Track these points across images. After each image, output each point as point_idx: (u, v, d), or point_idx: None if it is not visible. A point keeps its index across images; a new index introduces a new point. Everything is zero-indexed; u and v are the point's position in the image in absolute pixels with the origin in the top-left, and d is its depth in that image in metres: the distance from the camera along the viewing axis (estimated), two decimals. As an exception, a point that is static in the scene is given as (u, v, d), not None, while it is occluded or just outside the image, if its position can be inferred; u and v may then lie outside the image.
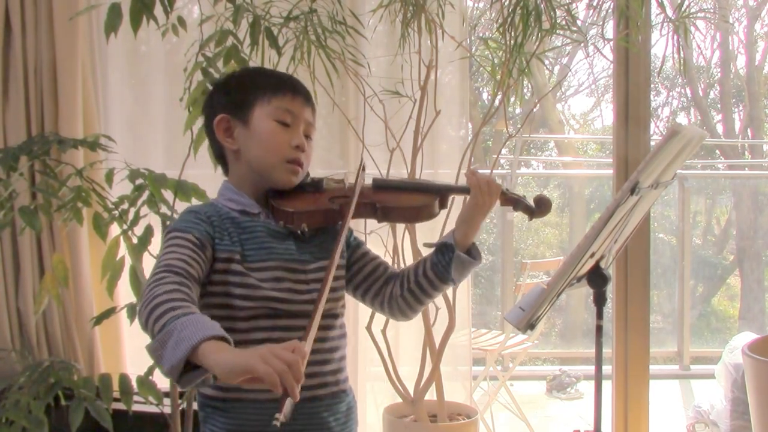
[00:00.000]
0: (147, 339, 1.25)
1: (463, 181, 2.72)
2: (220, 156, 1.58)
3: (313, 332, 1.24)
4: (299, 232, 1.51)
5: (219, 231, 1.45)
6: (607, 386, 2.65)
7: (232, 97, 1.54)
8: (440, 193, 1.57)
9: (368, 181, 1.59)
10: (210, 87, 2.19)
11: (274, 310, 1.45)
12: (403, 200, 1.55)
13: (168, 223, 2.30)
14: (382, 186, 1.58)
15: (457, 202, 1.77)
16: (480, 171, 1.57)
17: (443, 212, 1.64)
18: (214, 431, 1.47)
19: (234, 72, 1.67)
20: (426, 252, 1.63)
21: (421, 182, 1.63)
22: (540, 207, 1.59)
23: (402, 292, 1.59)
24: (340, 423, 1.52)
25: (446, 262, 1.54)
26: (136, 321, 2.31)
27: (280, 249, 1.48)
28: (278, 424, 1.10)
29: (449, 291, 2.71)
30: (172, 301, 1.25)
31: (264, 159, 1.51)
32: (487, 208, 1.54)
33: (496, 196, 1.54)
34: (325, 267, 1.51)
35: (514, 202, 1.59)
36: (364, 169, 1.56)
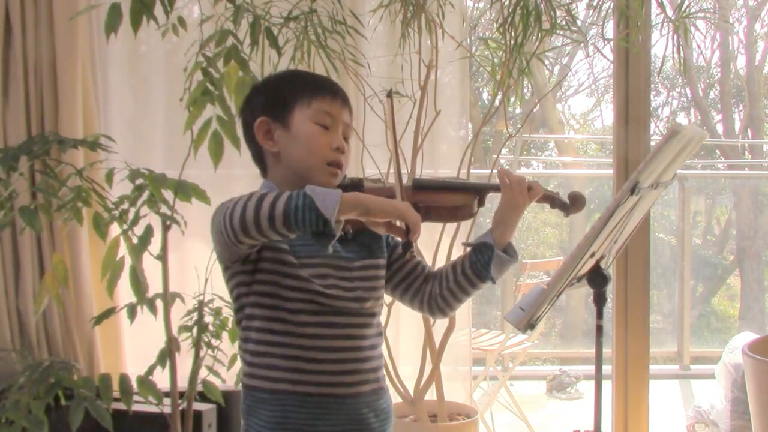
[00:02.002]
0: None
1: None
2: (258, 158, 1.59)
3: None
4: (343, 233, 1.50)
5: None
6: (607, 386, 2.65)
7: (272, 100, 1.55)
8: (478, 192, 1.60)
9: (407, 182, 1.61)
10: (210, 87, 2.20)
11: (320, 306, 1.47)
12: (444, 200, 1.58)
13: (168, 223, 2.30)
14: (422, 186, 1.59)
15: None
16: (512, 171, 1.61)
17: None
18: (259, 424, 1.48)
19: (272, 75, 1.68)
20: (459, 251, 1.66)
21: (458, 182, 1.66)
22: (574, 203, 1.63)
23: (441, 290, 1.61)
24: (380, 420, 1.54)
25: (485, 261, 1.57)
26: (136, 321, 2.33)
27: (325, 248, 1.49)
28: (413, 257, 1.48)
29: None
30: (274, 192, 1.31)
31: (305, 161, 1.51)
32: (521, 206, 1.56)
33: (526, 196, 1.56)
34: (369, 266, 1.55)
35: (550, 199, 1.62)
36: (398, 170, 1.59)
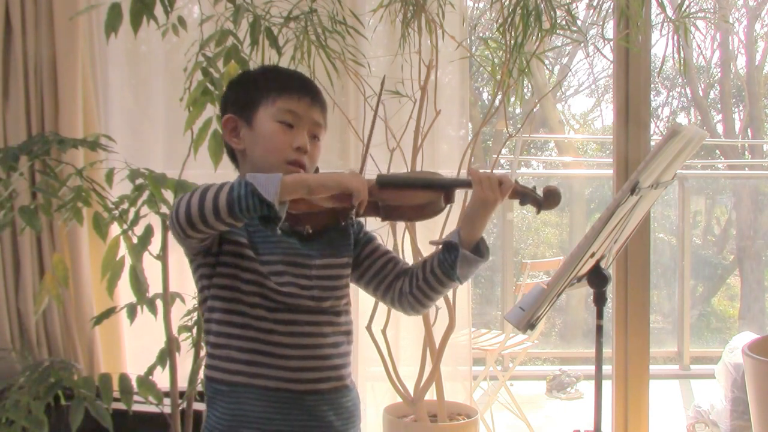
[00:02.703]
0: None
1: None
2: (230, 153, 1.60)
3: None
4: (303, 232, 1.52)
5: None
6: (607, 386, 2.65)
7: (240, 97, 1.55)
8: (445, 189, 1.54)
9: (371, 178, 1.56)
10: (210, 87, 2.20)
11: (275, 303, 1.47)
12: (407, 198, 1.53)
13: (168, 223, 2.30)
14: (386, 183, 1.54)
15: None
16: (482, 171, 1.55)
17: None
18: (217, 416, 1.49)
19: (246, 71, 1.69)
20: (432, 249, 1.64)
21: (425, 177, 1.59)
22: (548, 199, 1.54)
23: (411, 289, 1.60)
24: (343, 418, 1.53)
25: (452, 261, 1.53)
26: (137, 321, 2.33)
27: (284, 243, 1.50)
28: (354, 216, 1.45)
29: (449, 291, 2.71)
30: (217, 183, 1.33)
31: (265, 160, 1.51)
32: (492, 203, 1.51)
33: (498, 191, 1.50)
34: (332, 264, 1.54)
35: (521, 195, 1.55)
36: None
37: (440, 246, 1.58)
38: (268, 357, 1.46)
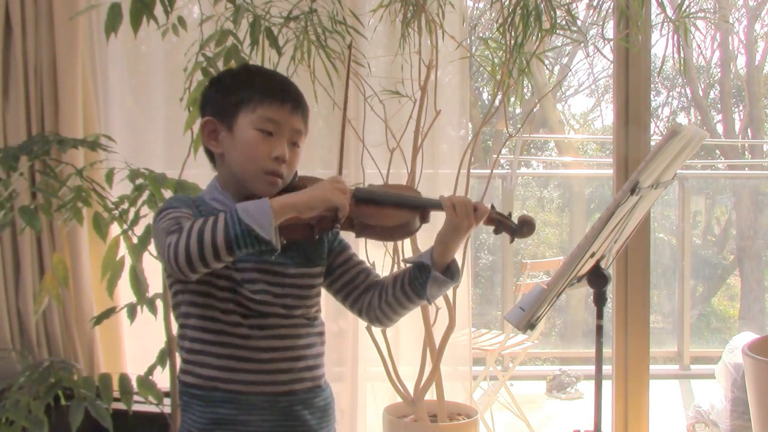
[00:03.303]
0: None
1: (463, 182, 2.73)
2: (208, 152, 1.59)
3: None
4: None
5: None
6: (607, 386, 2.64)
7: (220, 100, 1.53)
8: (420, 210, 1.52)
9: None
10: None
11: (249, 310, 1.48)
12: (382, 217, 1.50)
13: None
14: (362, 198, 1.52)
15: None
16: (458, 196, 1.52)
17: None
18: (193, 419, 1.50)
19: (228, 70, 1.66)
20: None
21: (402, 195, 1.55)
22: (522, 227, 1.52)
23: (380, 303, 1.59)
24: (317, 417, 1.55)
25: (423, 280, 1.54)
26: (137, 321, 2.33)
27: (264, 255, 1.47)
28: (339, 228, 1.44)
29: (449, 291, 2.71)
30: (208, 218, 1.33)
31: (243, 168, 1.50)
32: (464, 230, 1.49)
33: (472, 218, 1.49)
34: (305, 274, 1.54)
35: (496, 222, 1.53)
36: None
37: (410, 264, 1.58)
38: (244, 362, 1.47)
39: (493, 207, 1.54)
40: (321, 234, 1.51)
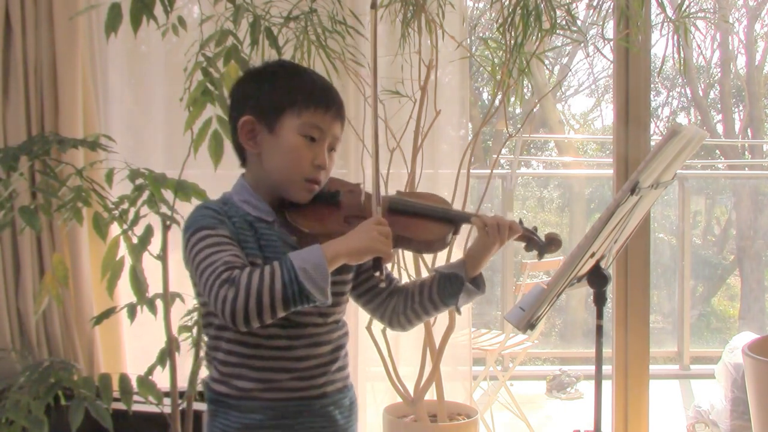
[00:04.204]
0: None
1: (463, 182, 2.73)
2: (239, 150, 1.55)
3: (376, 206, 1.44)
4: None
5: (241, 232, 1.45)
6: (607, 386, 2.64)
7: (263, 99, 1.49)
8: (455, 223, 1.54)
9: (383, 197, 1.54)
10: (210, 87, 2.20)
11: (288, 320, 1.45)
12: (419, 231, 1.51)
13: (168, 223, 2.30)
14: (398, 210, 1.53)
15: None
16: (491, 216, 1.56)
17: None
18: (225, 424, 1.49)
19: (270, 66, 1.59)
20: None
21: (437, 208, 1.57)
22: (549, 245, 1.58)
23: (404, 309, 1.61)
24: (345, 416, 1.56)
25: (453, 291, 1.57)
26: (136, 321, 2.33)
27: None
28: (383, 280, 1.45)
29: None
30: (264, 272, 1.32)
31: (283, 173, 1.48)
32: (496, 247, 1.54)
33: (505, 237, 1.53)
34: (335, 281, 1.50)
35: (527, 239, 1.58)
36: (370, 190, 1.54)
37: (437, 274, 1.60)
38: (282, 372, 1.47)
39: (521, 222, 1.58)
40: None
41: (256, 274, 1.32)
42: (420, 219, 1.53)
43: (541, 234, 1.61)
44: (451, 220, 1.54)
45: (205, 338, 1.56)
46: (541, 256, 1.60)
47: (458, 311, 1.61)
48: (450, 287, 1.57)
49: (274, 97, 1.48)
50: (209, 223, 1.42)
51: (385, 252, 1.38)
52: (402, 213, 1.53)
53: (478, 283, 1.58)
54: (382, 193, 1.53)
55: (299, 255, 1.34)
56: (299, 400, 1.49)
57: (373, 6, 1.51)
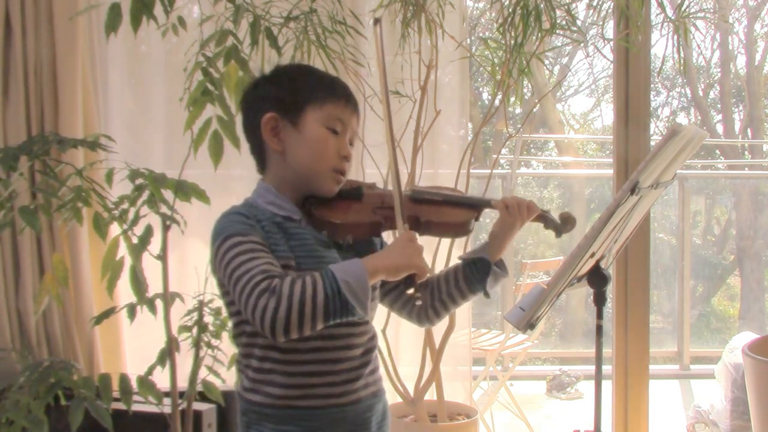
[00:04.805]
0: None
1: (463, 182, 2.73)
2: (258, 152, 1.54)
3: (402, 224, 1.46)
4: (341, 242, 1.50)
5: (272, 235, 1.43)
6: (607, 386, 2.64)
7: (284, 96, 1.49)
8: (476, 209, 1.59)
9: (404, 191, 1.57)
10: (210, 87, 2.20)
11: None
12: (445, 215, 1.56)
13: (168, 223, 2.29)
14: (420, 199, 1.57)
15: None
16: (510, 197, 1.60)
17: None
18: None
19: (284, 68, 1.61)
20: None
21: (457, 196, 1.64)
22: (565, 224, 1.65)
23: (432, 302, 1.62)
24: (378, 421, 1.55)
25: (481, 276, 1.58)
26: (136, 321, 2.32)
27: (328, 258, 1.47)
28: (418, 297, 1.47)
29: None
30: (306, 282, 1.31)
31: (311, 165, 1.48)
32: (518, 227, 1.57)
33: (525, 216, 1.57)
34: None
35: (544, 219, 1.63)
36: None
37: (462, 261, 1.62)
38: (315, 377, 1.45)
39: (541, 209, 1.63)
40: (379, 234, 1.56)
41: (298, 285, 1.31)
42: (443, 206, 1.58)
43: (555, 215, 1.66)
44: (473, 205, 1.59)
45: (238, 353, 1.53)
46: (558, 234, 1.65)
47: (487, 295, 1.61)
48: (477, 273, 1.58)
49: (296, 93, 1.49)
50: (241, 229, 1.40)
51: (421, 268, 1.40)
52: (425, 202, 1.58)
53: (500, 266, 1.60)
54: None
55: (341, 267, 1.34)
56: (334, 408, 1.46)
57: (376, 22, 1.55)
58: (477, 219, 1.60)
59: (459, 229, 1.59)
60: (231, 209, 1.48)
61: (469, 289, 1.60)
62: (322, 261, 1.45)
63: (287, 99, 1.49)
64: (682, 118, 10.57)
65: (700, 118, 10.08)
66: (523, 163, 7.64)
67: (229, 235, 1.40)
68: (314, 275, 1.32)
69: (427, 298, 1.62)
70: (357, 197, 1.54)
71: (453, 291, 1.60)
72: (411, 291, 1.43)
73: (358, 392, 1.49)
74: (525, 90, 2.84)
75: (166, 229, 2.31)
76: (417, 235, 1.50)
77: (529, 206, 1.57)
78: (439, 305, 1.61)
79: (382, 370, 2.76)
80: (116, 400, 2.32)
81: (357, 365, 1.50)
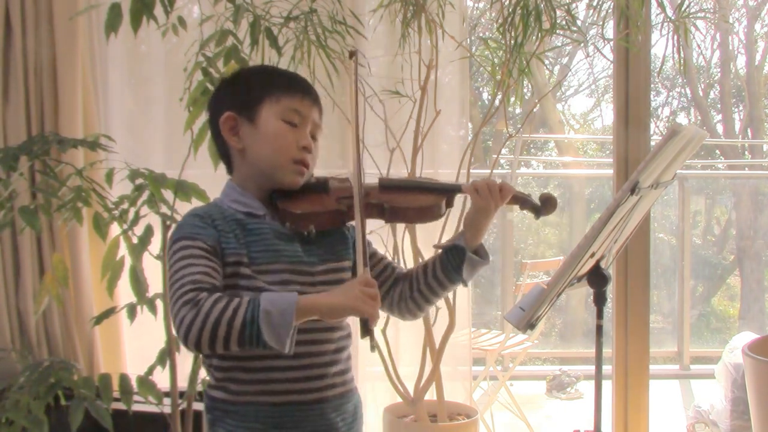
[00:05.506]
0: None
1: (464, 181, 2.73)
2: (224, 154, 1.56)
3: (364, 267, 1.39)
4: (305, 233, 1.50)
5: (224, 234, 1.44)
6: (607, 386, 2.65)
7: (240, 94, 1.52)
8: (446, 193, 1.56)
9: (373, 181, 1.57)
10: (210, 87, 2.20)
11: None
12: (411, 200, 1.54)
13: (168, 223, 2.30)
14: (388, 186, 1.56)
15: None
16: (480, 180, 1.56)
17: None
18: (229, 430, 1.47)
19: (242, 69, 1.65)
20: (431, 253, 1.63)
21: (425, 182, 1.62)
22: (546, 205, 1.57)
23: (411, 293, 1.60)
24: (347, 423, 1.53)
25: (457, 264, 1.55)
26: (136, 321, 2.33)
27: (288, 251, 1.47)
28: (374, 346, 1.37)
29: (447, 294, 2.71)
30: (229, 304, 1.31)
31: (271, 159, 1.49)
32: (492, 211, 1.53)
33: (497, 198, 1.52)
34: (333, 269, 1.52)
35: (520, 200, 1.57)
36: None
37: (440, 250, 1.59)
38: (276, 372, 1.44)
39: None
40: (343, 225, 1.54)
41: (220, 304, 1.31)
42: (411, 192, 1.57)
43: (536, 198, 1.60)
44: (441, 190, 1.57)
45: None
46: (537, 216, 1.57)
47: (465, 284, 1.58)
48: (453, 260, 1.55)
49: (251, 90, 1.51)
50: (189, 233, 1.42)
51: (367, 312, 1.33)
52: (393, 189, 1.56)
53: (480, 254, 1.56)
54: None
55: (271, 297, 1.33)
56: (297, 405, 1.45)
57: (351, 56, 1.57)
58: (450, 205, 1.57)
59: (426, 214, 1.54)
60: (190, 211, 1.51)
61: (447, 278, 1.56)
62: (280, 255, 1.45)
63: (243, 97, 1.51)
64: (682, 118, 10.57)
65: (700, 118, 10.08)
66: (523, 163, 7.64)
67: (177, 238, 1.43)
68: (242, 299, 1.32)
69: (406, 291, 1.60)
70: (323, 189, 1.55)
71: (431, 281, 1.57)
72: (365, 338, 1.35)
73: (322, 391, 1.48)
74: (525, 90, 2.84)
75: (166, 229, 2.31)
76: (377, 280, 1.45)
77: (502, 187, 1.52)
78: (419, 296, 1.59)
79: (381, 370, 2.79)
80: (116, 400, 2.32)
81: (322, 363, 1.48)
